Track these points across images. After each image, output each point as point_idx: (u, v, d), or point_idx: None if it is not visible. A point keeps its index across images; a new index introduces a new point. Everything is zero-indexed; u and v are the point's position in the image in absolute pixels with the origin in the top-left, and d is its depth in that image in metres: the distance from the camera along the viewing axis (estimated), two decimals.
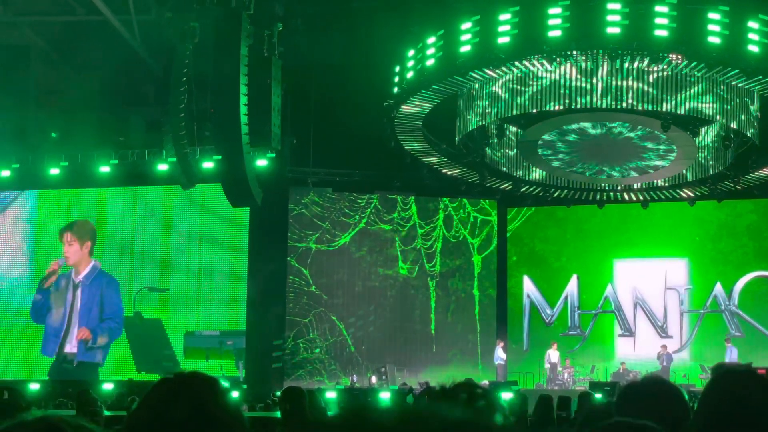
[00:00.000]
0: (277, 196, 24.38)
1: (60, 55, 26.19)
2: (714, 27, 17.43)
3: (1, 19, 24.37)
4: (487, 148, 22.51)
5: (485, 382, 21.58)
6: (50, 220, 26.22)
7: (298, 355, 25.20)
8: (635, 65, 18.61)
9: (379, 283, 26.04)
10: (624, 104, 19.08)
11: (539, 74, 19.22)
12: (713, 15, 17.42)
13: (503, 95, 19.77)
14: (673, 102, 18.86)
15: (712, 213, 25.37)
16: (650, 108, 19.16)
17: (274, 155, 22.55)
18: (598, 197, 25.07)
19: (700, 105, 19.07)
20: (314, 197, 25.69)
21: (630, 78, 18.78)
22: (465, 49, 18.59)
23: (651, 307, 25.83)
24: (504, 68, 19.21)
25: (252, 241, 24.88)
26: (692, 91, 18.93)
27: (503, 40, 18.09)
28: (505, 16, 18.01)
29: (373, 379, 24.03)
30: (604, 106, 19.22)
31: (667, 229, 25.70)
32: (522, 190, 24.76)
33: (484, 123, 20.72)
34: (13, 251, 26.28)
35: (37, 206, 26.30)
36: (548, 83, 19.19)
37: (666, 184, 24.01)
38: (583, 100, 19.14)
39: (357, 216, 25.96)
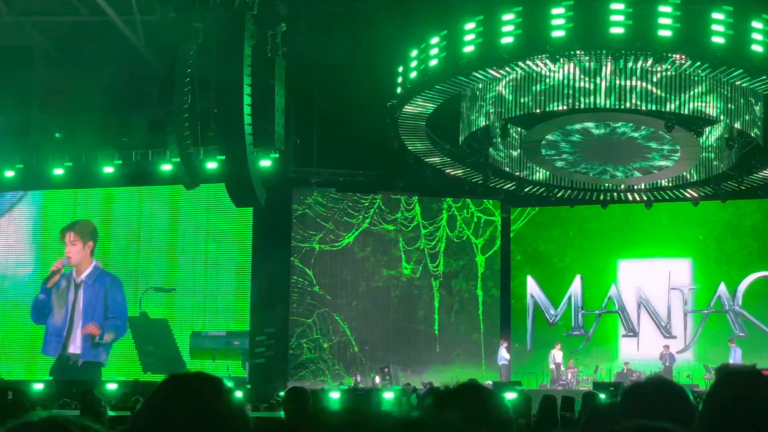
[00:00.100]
0: (281, 196, 24.39)
1: (63, 56, 26.21)
2: (718, 27, 17.41)
3: (5, 19, 24.39)
4: (490, 149, 22.49)
5: (489, 382, 21.57)
6: (55, 221, 26.23)
7: (302, 356, 25.20)
8: (639, 65, 18.59)
9: (382, 283, 26.04)
10: (627, 104, 19.07)
11: (543, 74, 19.21)
12: (717, 15, 17.40)
13: (507, 95, 19.76)
14: (677, 102, 18.84)
15: (716, 213, 25.34)
16: (654, 108, 19.14)
17: (277, 155, 22.57)
18: (601, 197, 25.05)
19: (703, 105, 19.05)
20: (318, 197, 25.70)
21: (634, 78, 18.76)
22: (468, 49, 18.58)
23: (655, 308, 25.81)
24: (507, 68, 19.20)
25: (255, 242, 24.89)
26: (696, 91, 18.90)
27: (506, 40, 18.08)
28: (508, 16, 18.00)
29: (377, 379, 24.03)
30: (607, 106, 19.21)
31: (671, 229, 25.68)
32: (525, 190, 24.74)
33: (487, 123, 20.71)
34: (19, 251, 26.30)
35: (43, 206, 26.32)
36: (552, 83, 19.18)
37: (670, 185, 23.99)
38: (587, 101, 19.13)
39: (360, 216, 25.97)
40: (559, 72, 19.07)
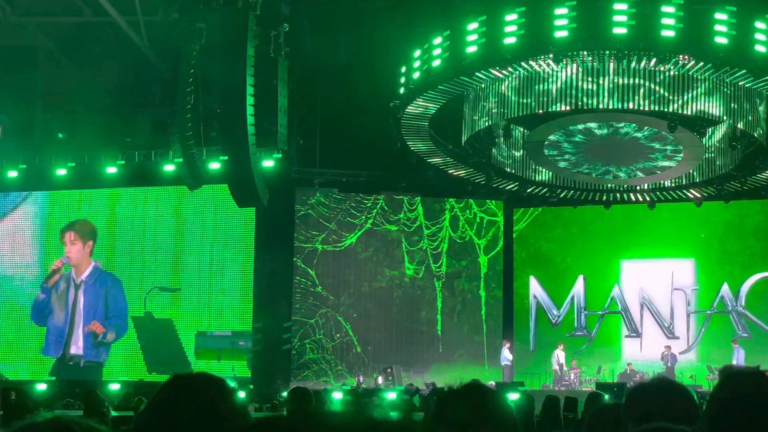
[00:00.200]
0: (284, 196, 24.39)
1: (67, 56, 26.24)
2: (721, 27, 17.39)
3: (9, 19, 24.42)
4: (493, 149, 22.49)
5: (492, 382, 21.56)
6: (59, 221, 26.25)
7: (305, 356, 25.21)
8: (642, 65, 18.58)
9: (385, 283, 26.04)
10: (630, 105, 19.05)
11: (546, 75, 19.21)
12: (720, 15, 17.38)
13: (509, 96, 19.75)
14: (680, 102, 18.83)
15: (718, 213, 25.32)
16: (657, 109, 19.13)
17: (280, 156, 22.57)
18: (604, 198, 25.04)
19: (706, 105, 19.04)
20: (320, 198, 25.70)
21: (637, 78, 18.75)
22: (471, 49, 18.58)
23: (658, 308, 25.79)
24: (510, 69, 19.20)
25: (258, 242, 24.89)
26: (699, 91, 18.89)
27: (510, 40, 18.07)
28: (511, 17, 17.99)
29: (380, 379, 24.03)
30: (610, 106, 19.20)
31: (674, 229, 25.66)
32: (528, 190, 24.74)
33: (490, 123, 20.71)
34: (23, 252, 26.32)
35: (47, 207, 26.34)
36: (555, 84, 19.18)
37: (673, 185, 23.98)
38: (590, 101, 19.13)
39: (363, 217, 25.97)
40: (562, 72, 19.06)
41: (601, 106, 19.29)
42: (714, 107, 19.14)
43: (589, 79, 18.96)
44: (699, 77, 18.74)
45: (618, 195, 24.87)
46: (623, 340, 26.01)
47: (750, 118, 19.71)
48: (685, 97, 18.82)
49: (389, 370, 24.06)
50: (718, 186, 23.34)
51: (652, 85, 18.78)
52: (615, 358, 25.61)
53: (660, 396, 3.47)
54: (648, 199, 24.77)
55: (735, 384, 2.83)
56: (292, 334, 25.15)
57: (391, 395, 20.43)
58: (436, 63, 19.25)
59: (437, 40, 19.17)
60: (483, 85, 20.11)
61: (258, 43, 19.78)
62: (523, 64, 18.95)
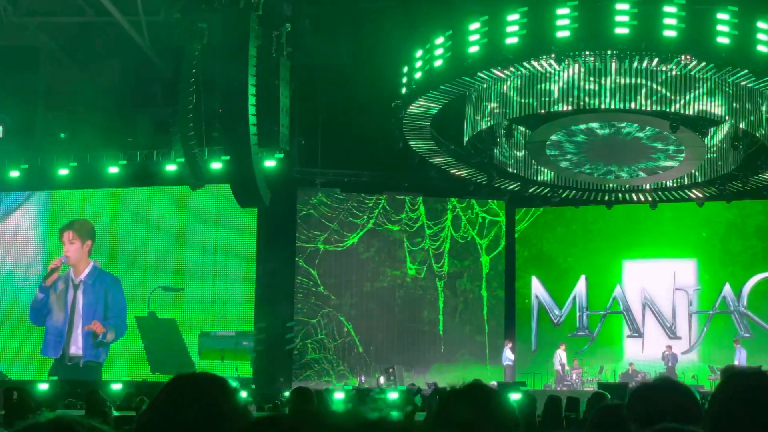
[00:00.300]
0: (285, 196, 24.40)
1: (69, 56, 26.25)
2: (723, 27, 17.38)
3: (11, 19, 24.43)
4: (495, 149, 22.49)
5: (493, 382, 21.55)
6: (62, 221, 26.25)
7: (307, 356, 25.21)
8: (644, 65, 18.57)
9: (387, 283, 26.04)
10: (632, 105, 19.05)
11: (547, 75, 19.20)
12: (722, 15, 17.38)
13: (511, 96, 19.75)
14: (682, 102, 18.82)
15: (720, 214, 25.31)
16: (659, 109, 19.13)
17: (282, 156, 22.58)
18: (606, 198, 25.04)
19: (708, 105, 19.03)
20: (322, 198, 25.71)
21: (639, 78, 18.75)
22: (473, 49, 18.58)
23: (659, 308, 25.78)
24: (512, 69, 19.19)
25: (260, 242, 24.89)
26: (701, 91, 18.88)
27: (511, 40, 18.07)
28: (513, 17, 17.99)
29: (381, 379, 24.03)
30: (612, 106, 19.19)
31: (676, 229, 25.65)
32: (530, 190, 24.74)
33: (492, 123, 20.71)
34: (26, 252, 26.33)
35: (49, 207, 26.35)
36: (556, 84, 19.17)
37: (675, 185, 23.97)
38: (592, 101, 19.12)
39: (365, 217, 25.97)
40: (564, 72, 19.05)
41: (603, 106, 19.28)
42: (716, 107, 19.13)
43: (591, 79, 18.96)
44: (701, 77, 18.73)
45: (620, 195, 24.86)
46: (625, 340, 26.00)
47: (752, 118, 19.70)
48: (687, 97, 18.81)
49: (391, 370, 24.06)
50: (720, 186, 23.33)
51: (654, 85, 18.77)
52: (617, 358, 25.60)
53: (663, 396, 3.47)
54: (650, 199, 24.76)
55: (736, 384, 2.82)
56: (294, 334, 25.16)
57: (393, 395, 20.43)
58: (438, 63, 19.25)
59: (439, 40, 19.17)
60: (485, 85, 20.10)
61: (260, 43, 19.79)
62: (525, 64, 18.95)
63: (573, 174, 23.66)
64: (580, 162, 23.01)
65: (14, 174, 25.31)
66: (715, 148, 22.18)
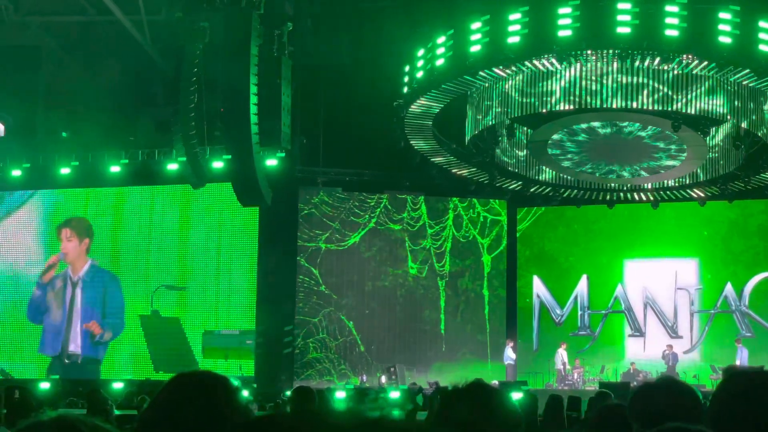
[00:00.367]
0: (287, 195, 24.41)
1: (70, 55, 26.26)
2: (725, 27, 17.38)
3: (12, 19, 24.45)
4: (496, 148, 22.49)
5: (495, 381, 21.56)
6: (63, 220, 26.28)
7: (308, 355, 25.22)
8: (646, 65, 18.57)
9: (388, 282, 26.05)
10: (634, 104, 19.04)
11: (549, 74, 19.20)
12: (724, 15, 17.37)
13: (513, 95, 19.75)
14: (684, 101, 18.82)
15: (722, 213, 25.30)
16: (660, 108, 19.12)
17: (283, 155, 22.58)
18: (608, 197, 25.03)
19: (710, 105, 19.03)
20: (324, 197, 25.71)
21: (640, 78, 18.74)
22: (475, 48, 18.58)
23: (661, 308, 25.78)
24: (514, 68, 19.19)
25: (261, 241, 24.90)
26: (702, 90, 18.88)
27: (513, 39, 18.08)
28: (515, 16, 18.00)
29: (383, 378, 24.04)
30: (614, 105, 19.18)
31: (678, 229, 25.64)
32: (532, 190, 24.73)
33: (493, 123, 20.71)
34: (28, 250, 26.34)
35: (51, 206, 26.37)
36: (558, 83, 19.17)
37: (676, 184, 23.96)
38: (593, 100, 19.12)
39: (367, 216, 25.97)
40: (565, 72, 19.05)
41: (604, 106, 19.28)
42: (718, 106, 19.12)
43: (593, 78, 18.95)
44: (703, 76, 18.72)
45: (621, 194, 24.86)
46: (626, 340, 25.99)
47: (754, 117, 19.69)
48: (689, 96, 18.81)
49: (392, 369, 24.07)
50: (721, 185, 23.32)
51: (656, 84, 18.77)
52: (618, 358, 25.59)
53: (665, 395, 3.46)
54: (651, 198, 24.75)
55: (737, 383, 2.82)
56: (295, 333, 25.16)
57: (395, 394, 20.43)
58: (440, 62, 19.25)
59: (441, 39, 19.17)
60: (486, 85, 20.10)
61: (262, 42, 19.79)
62: (526, 63, 18.94)
63: (574, 173, 23.65)
64: (581, 161, 23.00)
65: (16, 173, 25.33)
66: (717, 148, 22.17)
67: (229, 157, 21.55)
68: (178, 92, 21.04)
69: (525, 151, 23.04)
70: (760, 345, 24.25)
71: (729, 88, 19.02)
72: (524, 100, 19.62)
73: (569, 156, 22.79)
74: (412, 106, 20.69)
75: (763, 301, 25.00)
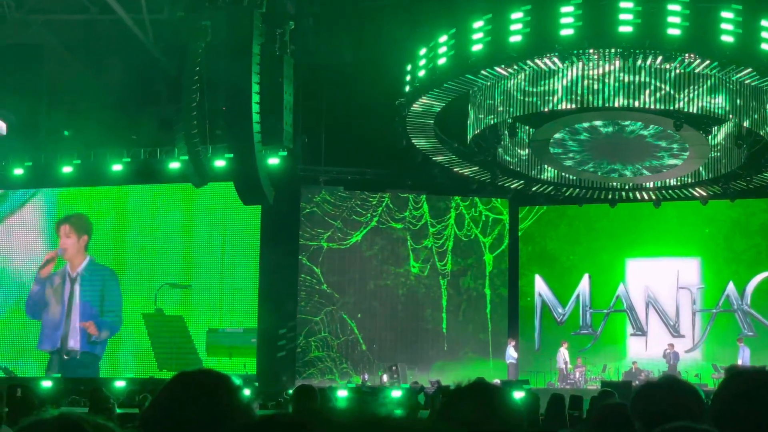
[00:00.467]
0: (289, 194, 24.41)
1: (72, 54, 26.26)
2: (727, 26, 17.37)
3: (15, 17, 24.44)
4: (498, 147, 22.49)
5: (497, 380, 21.56)
6: (63, 216, 26.31)
7: (310, 354, 25.23)
8: (648, 64, 18.56)
9: (390, 281, 26.05)
10: (636, 103, 19.04)
11: (551, 73, 19.20)
12: (726, 14, 17.36)
13: (515, 94, 19.75)
14: (686, 100, 18.81)
15: (724, 212, 25.29)
16: (662, 107, 19.11)
17: (285, 154, 22.56)
18: (610, 196, 25.02)
19: (712, 104, 19.02)
20: (326, 196, 25.71)
21: (642, 76, 18.73)
22: (477, 47, 18.58)
23: (663, 307, 25.77)
24: (516, 67, 19.19)
25: (263, 240, 24.91)
26: (704, 89, 18.87)
27: (515, 38, 18.07)
28: (517, 15, 18.00)
29: (385, 377, 24.05)
30: (616, 104, 19.18)
31: (680, 228, 25.63)
32: (534, 189, 24.73)
33: (495, 122, 20.71)
34: (30, 249, 26.36)
35: (53, 204, 26.39)
36: (560, 82, 19.16)
37: (678, 183, 23.95)
38: (595, 99, 19.11)
39: (368, 215, 25.98)
40: (567, 71, 19.05)
41: (606, 105, 19.27)
42: (720, 105, 19.11)
43: (595, 77, 18.95)
44: (705, 75, 18.71)
45: (623, 193, 24.85)
46: (628, 339, 25.99)
47: (756, 116, 19.68)
48: (691, 95, 18.80)
49: (394, 368, 24.09)
50: (723, 184, 23.31)
51: (658, 83, 18.76)
52: (620, 357, 25.59)
53: (668, 395, 3.47)
54: (654, 197, 24.75)
55: (739, 382, 2.83)
56: (297, 332, 25.17)
57: (396, 393, 20.44)
58: (442, 61, 19.26)
59: (443, 38, 19.18)
60: (488, 83, 20.10)
61: (263, 41, 19.78)
62: (528, 62, 18.94)
63: (576, 172, 23.65)
64: (583, 160, 23.00)
65: (18, 171, 25.33)
66: (719, 147, 22.16)
67: (231, 155, 21.55)
68: (181, 91, 21.04)
69: (527, 150, 23.04)
70: (762, 344, 24.23)
71: (731, 87, 19.01)
72: (526, 99, 19.62)
73: (571, 155, 22.79)
74: (414, 105, 20.70)
75: (765, 300, 24.99)
